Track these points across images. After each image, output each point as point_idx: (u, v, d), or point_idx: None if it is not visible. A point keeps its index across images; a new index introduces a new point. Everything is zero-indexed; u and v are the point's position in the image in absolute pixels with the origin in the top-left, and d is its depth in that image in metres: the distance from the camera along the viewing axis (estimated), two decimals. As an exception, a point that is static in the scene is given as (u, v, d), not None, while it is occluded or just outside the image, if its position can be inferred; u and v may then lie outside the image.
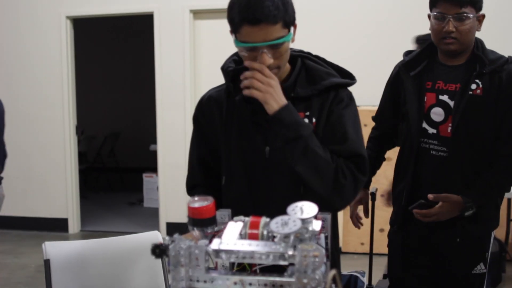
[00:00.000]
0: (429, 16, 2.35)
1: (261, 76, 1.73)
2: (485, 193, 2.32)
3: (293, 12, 1.79)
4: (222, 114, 1.93)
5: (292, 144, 1.76)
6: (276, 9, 1.70)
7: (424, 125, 2.40)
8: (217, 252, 1.34)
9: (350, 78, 1.92)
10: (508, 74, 2.30)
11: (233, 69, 1.93)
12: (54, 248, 2.29)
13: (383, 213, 5.41)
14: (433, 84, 2.39)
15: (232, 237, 1.37)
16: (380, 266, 2.74)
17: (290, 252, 1.29)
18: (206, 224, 1.46)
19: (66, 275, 2.29)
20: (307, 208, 1.41)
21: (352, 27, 5.81)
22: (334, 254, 1.95)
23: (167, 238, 1.37)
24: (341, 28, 5.81)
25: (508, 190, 2.44)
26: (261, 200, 1.85)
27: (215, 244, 1.34)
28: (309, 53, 1.97)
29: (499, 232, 5.11)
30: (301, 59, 1.93)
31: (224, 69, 1.96)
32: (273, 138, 1.84)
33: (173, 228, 6.28)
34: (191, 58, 6.22)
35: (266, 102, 1.74)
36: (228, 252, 1.33)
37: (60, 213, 6.77)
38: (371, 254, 2.73)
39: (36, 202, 6.83)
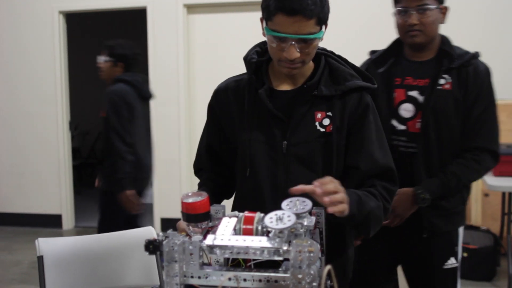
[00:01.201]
0: (394, 14, 2.37)
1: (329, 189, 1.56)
2: (443, 184, 2.31)
3: (328, 11, 1.77)
4: (241, 105, 1.91)
5: (362, 225, 1.77)
6: (314, 4, 1.69)
7: (393, 121, 2.40)
8: (211, 247, 1.33)
9: (371, 82, 1.90)
10: (475, 70, 2.34)
11: (256, 61, 1.91)
12: (47, 245, 2.28)
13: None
14: (402, 80, 2.41)
15: (227, 232, 1.36)
16: (375, 261, 2.70)
17: (285, 248, 1.29)
18: (200, 220, 1.45)
19: (60, 271, 2.28)
20: (301, 203, 1.40)
21: (341, 21, 5.80)
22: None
23: (160, 234, 1.37)
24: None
25: (467, 185, 2.43)
26: (279, 194, 1.82)
27: (209, 239, 1.33)
28: (331, 52, 1.95)
29: (494, 226, 5.13)
30: (325, 57, 1.91)
31: (247, 60, 1.92)
32: (291, 134, 1.84)
33: (168, 224, 6.27)
34: (184, 53, 6.20)
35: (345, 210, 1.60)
36: (222, 247, 1.32)
37: (54, 209, 6.75)
38: (365, 249, 2.71)
39: (30, 198, 6.81)
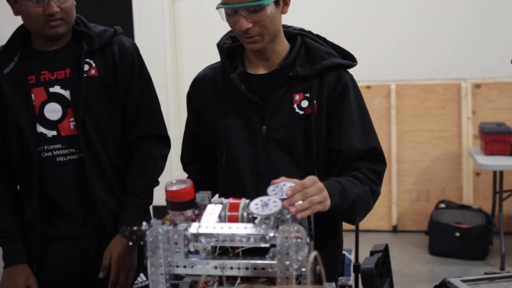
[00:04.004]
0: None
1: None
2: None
3: None
4: (217, 93, 1.88)
5: (347, 214, 1.71)
6: None
7: (40, 129, 1.99)
8: (196, 236, 1.30)
9: (351, 59, 1.86)
10: (120, 46, 2.07)
11: (229, 46, 1.87)
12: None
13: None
14: (37, 77, 2.00)
15: (211, 220, 1.34)
16: (367, 243, 2.71)
17: (271, 234, 1.26)
18: (185, 208, 1.42)
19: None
20: (287, 188, 1.38)
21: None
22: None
23: (144, 223, 1.34)
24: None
25: None
26: (261, 180, 1.80)
27: (194, 228, 1.31)
28: (309, 32, 1.91)
29: (486, 205, 5.13)
30: (301, 37, 1.87)
31: (220, 46, 1.89)
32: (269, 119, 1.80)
33: (160, 211, 6.24)
34: (171, 40, 6.14)
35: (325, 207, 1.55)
36: (208, 235, 1.30)
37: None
38: (357, 231, 2.70)
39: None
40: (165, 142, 2.17)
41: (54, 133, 1.99)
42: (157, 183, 2.13)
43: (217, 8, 1.74)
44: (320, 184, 1.50)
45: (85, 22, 2.07)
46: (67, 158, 2.00)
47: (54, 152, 1.99)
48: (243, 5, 1.68)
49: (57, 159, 2.00)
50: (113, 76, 2.05)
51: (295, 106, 1.80)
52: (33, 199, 2.00)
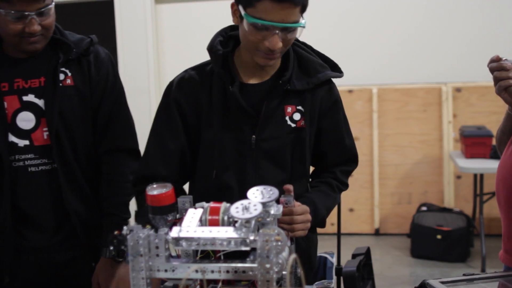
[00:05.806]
0: None
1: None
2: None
3: None
4: (208, 98, 1.79)
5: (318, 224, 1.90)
6: None
7: (12, 138, 1.93)
8: (177, 240, 1.30)
9: (337, 70, 1.86)
10: (96, 56, 2.03)
11: (223, 52, 1.77)
12: None
13: (352, 192, 5.43)
14: (10, 84, 1.94)
15: (192, 224, 1.34)
16: (349, 246, 2.73)
17: (252, 237, 1.26)
18: (166, 212, 1.42)
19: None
20: (268, 192, 1.38)
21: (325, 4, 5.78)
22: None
23: (125, 227, 1.33)
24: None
25: None
26: (247, 190, 1.77)
27: (175, 232, 1.30)
28: (296, 40, 1.83)
29: (467, 208, 5.18)
30: (291, 47, 1.81)
31: (213, 51, 1.78)
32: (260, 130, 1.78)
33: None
34: (154, 43, 6.13)
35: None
36: (188, 239, 1.29)
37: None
38: (339, 234, 2.72)
39: None
40: (135, 156, 2.11)
41: (27, 142, 1.94)
42: (131, 196, 2.08)
43: (250, 22, 1.62)
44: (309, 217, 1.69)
45: (61, 30, 2.02)
46: (40, 168, 1.96)
47: (26, 162, 1.95)
48: (286, 25, 1.62)
49: (29, 169, 1.95)
50: (88, 86, 2.00)
51: (287, 118, 1.79)
52: (3, 210, 1.94)
